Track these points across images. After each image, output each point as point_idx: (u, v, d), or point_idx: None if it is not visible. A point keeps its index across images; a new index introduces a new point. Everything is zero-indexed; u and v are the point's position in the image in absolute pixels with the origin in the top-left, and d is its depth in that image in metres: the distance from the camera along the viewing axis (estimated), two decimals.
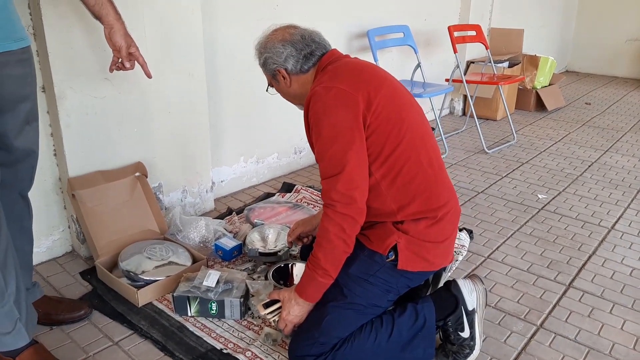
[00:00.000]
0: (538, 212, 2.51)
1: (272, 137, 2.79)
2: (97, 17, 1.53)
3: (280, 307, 1.46)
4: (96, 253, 1.85)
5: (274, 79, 1.53)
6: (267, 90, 1.61)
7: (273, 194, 2.63)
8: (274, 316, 1.47)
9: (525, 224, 2.38)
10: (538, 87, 4.52)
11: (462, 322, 1.44)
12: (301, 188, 2.66)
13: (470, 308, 1.44)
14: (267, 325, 1.59)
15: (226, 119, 2.49)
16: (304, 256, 1.85)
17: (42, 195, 1.87)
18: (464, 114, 4.34)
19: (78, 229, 1.93)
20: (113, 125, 1.94)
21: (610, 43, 6.17)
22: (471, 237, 2.20)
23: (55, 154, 1.89)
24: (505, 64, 4.14)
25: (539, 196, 2.69)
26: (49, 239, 1.95)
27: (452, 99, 4.35)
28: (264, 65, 1.51)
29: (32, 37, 1.72)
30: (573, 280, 1.93)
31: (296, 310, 1.41)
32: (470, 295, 1.45)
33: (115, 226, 1.92)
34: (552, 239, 2.24)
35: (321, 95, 1.35)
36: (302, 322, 1.42)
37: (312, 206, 2.46)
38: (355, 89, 1.34)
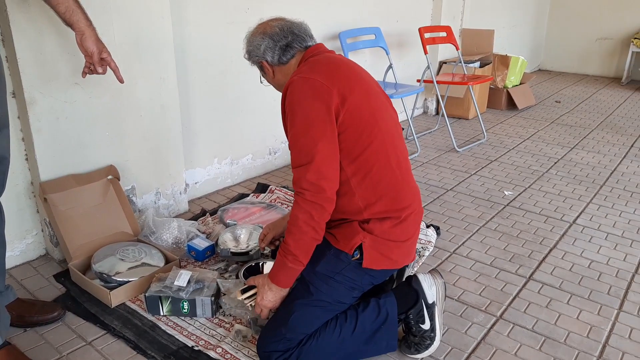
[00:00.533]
0: (504, 208, 2.60)
1: (247, 139, 2.83)
2: (68, 24, 1.56)
3: (255, 293, 1.51)
4: (69, 256, 1.87)
5: (260, 69, 1.59)
6: (260, 82, 1.66)
7: (247, 195, 2.68)
8: (250, 301, 1.52)
9: (491, 219, 2.47)
10: (509, 87, 4.64)
11: (423, 315, 1.50)
12: (275, 188, 2.71)
13: (430, 301, 1.51)
14: (237, 322, 1.64)
15: (199, 122, 2.53)
16: (275, 255, 1.90)
17: (14, 199, 1.89)
18: (437, 113, 4.44)
19: (51, 232, 1.96)
20: (84, 129, 1.97)
21: (582, 42, 6.34)
22: (438, 234, 2.28)
23: (27, 159, 1.91)
24: (477, 64, 4.24)
25: (505, 193, 2.78)
26: (22, 242, 1.97)
27: (425, 99, 4.44)
28: (249, 57, 1.57)
29: (0, 43, 1.74)
30: (533, 273, 2.02)
31: (269, 295, 1.45)
32: (430, 289, 1.52)
33: (88, 229, 1.95)
34: (515, 234, 2.33)
35: (298, 85, 1.39)
36: (276, 306, 1.47)
37: (286, 206, 2.52)
38: (331, 83, 1.38)
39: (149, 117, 2.17)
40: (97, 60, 1.61)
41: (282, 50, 1.50)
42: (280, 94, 1.52)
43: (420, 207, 1.56)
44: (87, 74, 1.68)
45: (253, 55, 1.54)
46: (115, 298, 1.72)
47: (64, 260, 1.97)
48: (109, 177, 2.05)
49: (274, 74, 1.55)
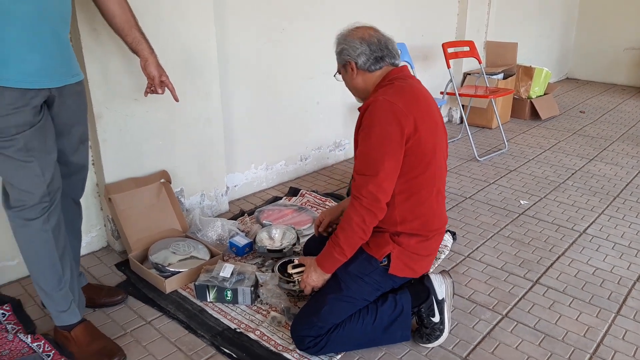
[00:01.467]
0: (518, 216, 2.79)
1: (280, 146, 3.10)
2: (134, 52, 1.83)
3: (302, 271, 1.78)
4: (129, 248, 2.17)
5: (343, 67, 1.73)
6: (334, 76, 1.81)
7: (280, 198, 2.94)
8: (298, 276, 1.80)
9: (505, 227, 2.66)
10: (533, 97, 4.78)
11: (433, 309, 1.73)
12: (306, 192, 2.96)
13: (440, 297, 1.74)
14: (273, 310, 1.90)
15: (239, 131, 2.81)
16: (307, 253, 2.15)
17: (83, 199, 2.18)
18: (461, 122, 4.61)
19: (113, 227, 2.26)
20: (142, 139, 2.26)
21: (609, 51, 6.39)
22: (454, 239, 2.49)
23: (93, 163, 2.21)
24: (500, 76, 4.41)
25: (521, 202, 2.97)
26: (88, 235, 2.27)
27: (450, 108, 4.63)
28: (340, 53, 1.70)
29: None
30: (540, 277, 2.21)
31: (314, 275, 1.70)
32: (440, 287, 1.75)
33: (144, 225, 2.24)
34: (527, 241, 2.52)
35: (382, 106, 1.56)
36: (318, 286, 1.71)
37: (315, 209, 2.77)
38: (409, 111, 1.56)
39: (196, 128, 2.45)
40: (157, 83, 1.87)
41: (374, 60, 1.66)
42: (353, 96, 1.75)
43: (444, 231, 1.79)
44: (149, 94, 1.95)
45: (345, 53, 1.67)
46: (169, 285, 2.00)
47: (123, 251, 2.27)
48: (162, 180, 2.34)
49: (356, 76, 1.69)
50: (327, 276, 1.71)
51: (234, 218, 2.64)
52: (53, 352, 1.67)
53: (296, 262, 1.91)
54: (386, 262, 1.68)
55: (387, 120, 1.55)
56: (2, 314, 1.85)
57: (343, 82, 1.79)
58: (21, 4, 1.34)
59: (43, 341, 1.70)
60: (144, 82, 2.09)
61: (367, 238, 1.63)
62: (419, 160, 1.61)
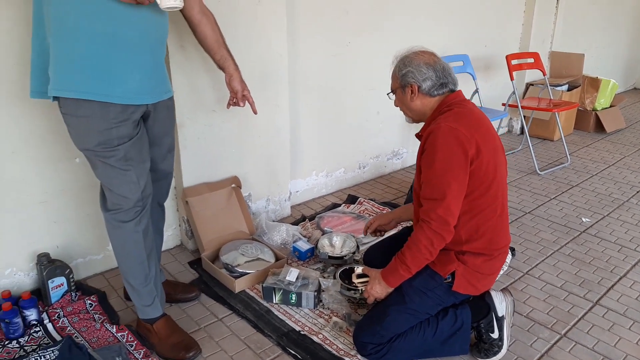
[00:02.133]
0: (579, 234, 2.76)
1: (340, 154, 3.20)
2: (221, 68, 1.96)
3: (367, 281, 1.87)
4: (202, 248, 2.33)
5: (402, 89, 1.77)
6: (387, 94, 1.87)
7: (339, 205, 3.04)
8: (362, 286, 1.89)
9: (565, 245, 2.65)
10: (598, 109, 4.65)
11: (493, 326, 1.78)
12: (364, 200, 3.05)
13: (500, 314, 1.79)
14: (334, 315, 2.00)
15: (303, 140, 2.93)
16: (366, 261, 2.25)
17: None
18: (521, 132, 4.55)
19: (187, 227, 2.43)
20: (217, 147, 2.42)
21: None
22: (513, 255, 2.50)
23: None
24: (565, 87, 4.33)
25: (583, 219, 2.93)
26: (164, 234, 2.44)
27: (510, 118, 4.58)
28: (404, 76, 1.74)
29: None
30: (600, 298, 2.20)
31: (378, 288, 1.79)
32: (501, 304, 1.79)
33: (215, 227, 2.40)
34: (588, 260, 2.50)
35: (444, 131, 1.61)
36: (381, 297, 1.79)
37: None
38: (471, 135, 1.61)
39: (265, 137, 2.59)
40: (240, 97, 2.01)
41: (439, 86, 1.72)
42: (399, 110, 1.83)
43: (507, 249, 1.83)
44: (231, 106, 2.08)
45: (410, 76, 1.72)
46: (239, 285, 2.14)
47: (195, 250, 2.44)
48: (233, 185, 2.49)
49: (415, 99, 1.75)
50: (391, 289, 1.79)
51: (296, 223, 2.77)
52: (135, 342, 1.84)
53: (359, 270, 2.01)
54: (450, 279, 1.74)
55: (451, 145, 1.61)
56: (90, 304, 2.04)
57: (396, 100, 1.83)
58: (127, 30, 1.50)
59: (126, 332, 1.88)
60: (222, 95, 2.26)
61: (434, 259, 1.69)
62: (482, 181, 1.66)
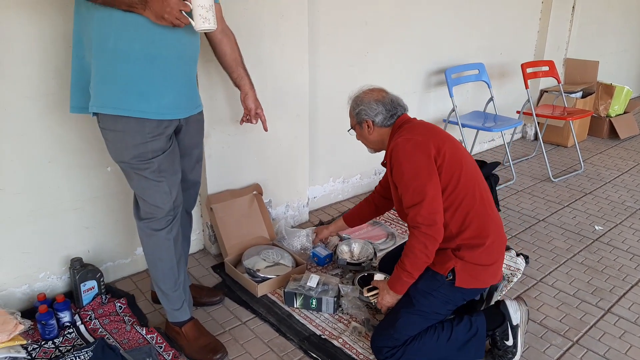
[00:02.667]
0: (592, 242, 2.81)
1: (357, 161, 3.27)
2: (237, 86, 2.05)
3: (377, 293, 1.97)
4: (225, 252, 2.42)
5: (359, 125, 2.00)
6: (348, 131, 2.10)
7: None
8: (374, 298, 1.99)
9: (579, 253, 2.70)
10: (612, 115, 4.67)
11: (507, 334, 1.85)
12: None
13: (514, 323, 1.85)
14: (353, 320, 2.08)
15: (321, 147, 3.01)
16: (382, 268, 2.32)
17: None
18: (535, 138, 4.59)
19: (210, 233, 2.52)
20: (240, 156, 2.51)
21: None
22: (527, 262, 2.56)
23: None
24: (579, 94, 4.36)
25: (596, 227, 2.97)
26: None
27: (524, 124, 4.62)
28: (358, 114, 1.98)
29: None
30: (612, 306, 2.26)
31: (387, 298, 1.90)
32: (515, 313, 1.86)
33: (238, 232, 2.49)
34: (600, 269, 2.55)
35: (402, 145, 1.80)
36: (392, 306, 1.90)
37: (389, 224, 2.92)
38: (427, 139, 1.80)
39: (285, 145, 2.68)
40: (253, 115, 2.09)
41: (390, 117, 1.93)
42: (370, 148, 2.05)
43: (502, 234, 1.90)
44: (244, 122, 2.16)
45: (363, 114, 1.94)
46: (261, 290, 2.23)
47: (218, 254, 2.53)
48: (255, 192, 2.58)
49: (372, 132, 1.96)
50: (399, 296, 1.88)
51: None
52: (164, 344, 1.93)
53: (377, 276, 2.10)
54: (451, 277, 1.82)
55: (412, 153, 1.78)
56: (120, 306, 2.14)
57: (357, 135, 2.04)
58: (163, 51, 1.59)
59: (156, 334, 1.97)
60: (241, 108, 2.34)
61: (431, 260, 1.80)
62: (452, 174, 1.79)
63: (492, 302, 2.01)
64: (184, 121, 1.76)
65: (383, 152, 2.02)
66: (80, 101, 1.68)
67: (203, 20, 1.52)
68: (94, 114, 1.63)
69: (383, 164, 1.97)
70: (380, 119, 1.93)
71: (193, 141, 1.87)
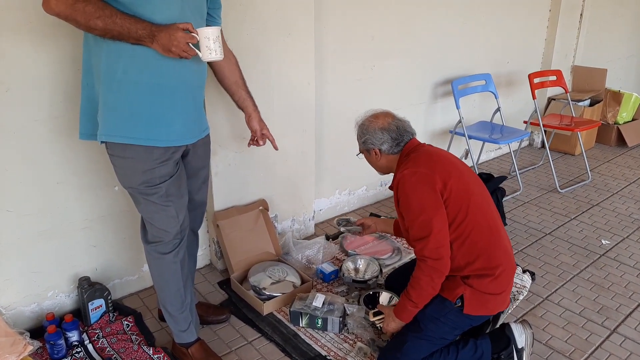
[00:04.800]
0: (599, 258, 2.80)
1: (363, 173, 3.24)
2: (240, 108, 2.04)
3: (383, 317, 1.98)
4: (231, 269, 2.44)
5: (367, 152, 2.00)
6: (357, 155, 2.09)
7: (378, 216, 3.10)
8: (379, 323, 2.00)
9: (585, 269, 2.69)
10: (620, 123, 4.64)
11: (513, 357, 1.85)
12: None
13: (519, 346, 1.86)
14: (359, 341, 2.09)
15: (327, 160, 3.02)
16: (388, 286, 2.33)
17: None
18: (542, 146, 4.57)
19: (217, 249, 2.54)
20: (246, 172, 2.52)
21: None
22: (533, 279, 2.56)
23: None
24: (587, 102, 4.33)
25: (603, 242, 2.96)
26: None
27: (531, 132, 4.60)
28: (364, 143, 1.97)
29: None
30: (618, 326, 2.25)
31: (392, 324, 1.91)
32: (520, 336, 1.86)
33: (244, 248, 2.50)
34: (607, 286, 2.54)
35: (408, 178, 1.79)
36: (398, 331, 1.91)
37: (395, 238, 2.92)
38: (433, 172, 1.78)
39: (292, 161, 2.69)
40: (259, 136, 2.08)
41: (397, 145, 1.91)
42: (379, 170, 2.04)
43: (512, 263, 1.90)
44: (251, 145, 2.13)
45: (369, 142, 1.93)
46: (267, 308, 2.24)
47: (224, 270, 2.55)
48: (260, 208, 2.59)
49: (380, 159, 1.95)
50: (404, 324, 1.89)
51: None
52: None
53: (383, 296, 2.14)
54: (460, 303, 1.82)
55: (418, 186, 1.77)
56: (127, 324, 2.16)
57: (366, 160, 2.04)
58: (171, 80, 1.60)
59: (162, 354, 1.99)
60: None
61: (437, 292, 1.80)
62: (459, 207, 1.78)
63: (499, 324, 2.01)
64: (191, 145, 1.77)
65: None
66: (89, 128, 1.70)
67: (209, 51, 1.53)
68: (103, 141, 1.65)
69: (391, 188, 1.96)
70: (386, 147, 1.92)
71: (200, 163, 1.89)
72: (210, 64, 1.90)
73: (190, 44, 1.52)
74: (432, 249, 1.74)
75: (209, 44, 1.52)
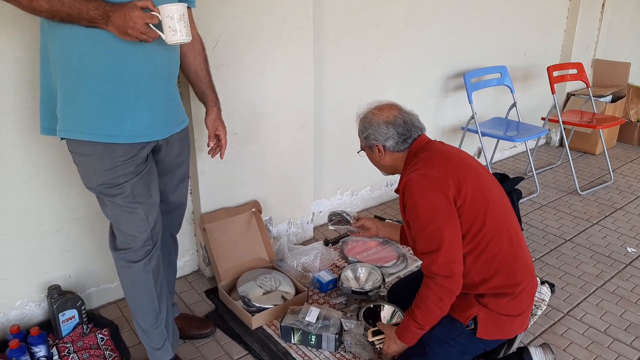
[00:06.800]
0: (625, 267, 2.55)
1: (367, 172, 3.02)
2: (201, 101, 1.78)
3: (383, 338, 1.76)
4: (219, 277, 2.23)
5: (369, 149, 1.75)
6: (358, 153, 1.84)
7: (384, 219, 2.87)
8: (379, 343, 1.78)
9: (610, 280, 2.44)
10: None
11: None
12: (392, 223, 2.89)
13: None
14: None
15: (328, 159, 2.79)
16: (391, 299, 2.11)
17: None
18: (560, 144, 4.31)
19: (205, 254, 2.33)
20: (237, 171, 2.30)
21: None
22: (552, 291, 2.31)
23: (191, 193, 2.28)
24: (608, 98, 4.06)
25: (628, 249, 2.71)
26: (181, 260, 2.35)
27: (549, 129, 4.33)
28: (366, 138, 1.73)
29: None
30: None
31: (394, 347, 1.69)
32: None
33: (234, 254, 2.29)
34: (634, 300, 2.29)
35: (417, 181, 1.56)
36: (399, 354, 1.69)
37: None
38: (446, 175, 1.54)
39: (288, 158, 2.46)
40: (212, 135, 1.79)
41: (403, 141, 1.67)
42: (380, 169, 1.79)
43: (533, 281, 1.66)
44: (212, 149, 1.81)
45: (372, 138, 1.69)
46: (256, 322, 2.03)
47: (213, 277, 2.34)
48: (253, 210, 2.38)
49: (384, 156, 1.71)
50: (406, 346, 1.66)
51: None
52: None
53: (385, 309, 1.93)
54: (473, 326, 1.59)
55: (428, 192, 1.53)
56: (101, 338, 1.96)
57: (369, 158, 1.80)
58: (135, 67, 1.39)
59: None
60: (245, 117, 2.15)
61: (446, 313, 1.57)
62: (475, 215, 1.54)
63: (514, 347, 1.77)
64: (163, 141, 1.56)
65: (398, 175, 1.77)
66: (50, 122, 1.49)
67: (173, 32, 1.31)
68: (63, 138, 1.45)
69: (397, 191, 1.71)
70: (391, 144, 1.68)
71: (176, 160, 1.67)
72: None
73: (151, 25, 1.30)
74: (442, 264, 1.50)
75: (173, 24, 1.30)
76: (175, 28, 1.30)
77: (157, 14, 1.30)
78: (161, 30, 1.32)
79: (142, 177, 1.51)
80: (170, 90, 1.53)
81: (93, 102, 1.39)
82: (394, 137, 1.67)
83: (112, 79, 1.37)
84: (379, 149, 1.71)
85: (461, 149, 3.36)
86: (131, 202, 1.51)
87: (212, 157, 1.84)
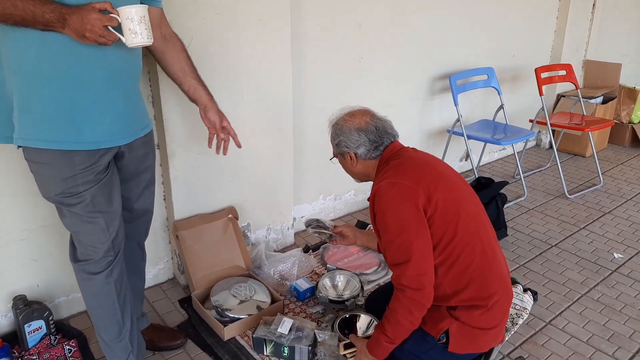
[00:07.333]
0: (610, 274, 2.50)
1: (350, 176, 2.98)
2: (193, 100, 1.75)
3: (355, 351, 1.70)
4: (192, 286, 2.17)
5: (341, 156, 1.71)
6: (330, 160, 1.80)
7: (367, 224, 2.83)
8: (351, 356, 1.72)
9: (594, 287, 2.39)
10: (635, 122, 4.32)
11: None
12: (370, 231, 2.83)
13: None
14: None
15: (309, 162, 2.73)
16: (368, 308, 2.05)
17: (152, 232, 2.14)
18: (550, 147, 4.25)
19: (179, 261, 2.27)
20: (212, 176, 2.24)
21: None
22: (535, 299, 2.26)
23: (164, 199, 2.23)
24: (599, 100, 4.01)
25: (615, 255, 2.66)
26: (155, 267, 2.31)
27: (539, 131, 4.28)
28: (338, 145, 1.68)
29: (150, 104, 2.05)
30: (632, 358, 1.95)
31: None
32: None
33: (209, 262, 2.23)
34: (619, 308, 2.24)
35: (386, 190, 1.50)
36: None
37: None
38: (416, 184, 1.49)
39: (266, 162, 2.41)
40: (219, 128, 1.79)
41: (375, 148, 1.63)
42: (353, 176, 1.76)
43: (508, 292, 1.61)
44: (213, 143, 1.84)
45: (343, 145, 1.65)
46: (228, 333, 1.97)
47: (187, 286, 2.28)
48: (229, 216, 2.32)
49: (356, 164, 1.67)
50: None
51: None
52: None
53: (363, 317, 1.89)
54: (445, 339, 1.54)
55: (397, 202, 1.49)
56: (69, 349, 1.91)
57: (341, 165, 1.76)
58: (93, 71, 1.34)
59: None
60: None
61: (417, 326, 1.52)
62: (446, 226, 1.49)
63: None
64: (126, 147, 1.51)
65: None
66: (6, 130, 1.42)
67: (133, 35, 1.26)
68: (19, 146, 1.39)
69: (369, 199, 1.65)
70: (363, 151, 1.63)
71: (140, 166, 1.62)
72: (152, 52, 1.62)
73: (110, 28, 1.25)
74: (412, 277, 1.45)
75: (133, 26, 1.25)
76: (135, 30, 1.25)
77: (117, 16, 1.25)
78: (121, 32, 1.27)
79: (102, 186, 1.46)
80: (132, 95, 1.48)
81: (49, 108, 1.34)
82: (366, 145, 1.63)
83: (69, 84, 1.32)
84: (350, 156, 1.66)
85: (447, 152, 3.32)
86: (91, 212, 1.46)
87: (225, 153, 1.85)
